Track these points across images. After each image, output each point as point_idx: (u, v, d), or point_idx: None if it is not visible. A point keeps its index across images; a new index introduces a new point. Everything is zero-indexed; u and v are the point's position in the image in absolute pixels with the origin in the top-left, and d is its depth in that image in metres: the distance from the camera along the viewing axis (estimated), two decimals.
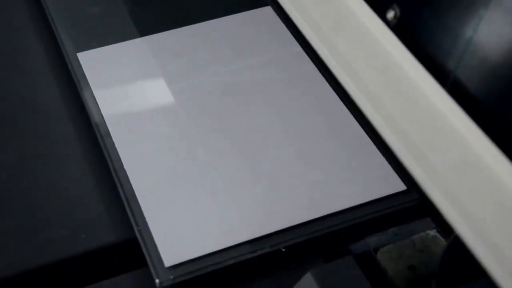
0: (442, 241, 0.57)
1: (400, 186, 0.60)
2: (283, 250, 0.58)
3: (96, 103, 0.66)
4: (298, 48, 0.71)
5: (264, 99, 0.67)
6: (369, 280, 0.53)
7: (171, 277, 0.54)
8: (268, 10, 0.75)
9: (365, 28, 0.50)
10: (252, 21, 0.74)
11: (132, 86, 0.69)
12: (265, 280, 0.58)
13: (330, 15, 0.54)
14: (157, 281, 0.54)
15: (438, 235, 0.57)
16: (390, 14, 0.50)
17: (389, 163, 0.62)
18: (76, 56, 0.70)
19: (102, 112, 0.66)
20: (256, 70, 0.70)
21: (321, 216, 0.58)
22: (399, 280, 0.54)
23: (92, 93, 0.67)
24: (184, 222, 0.58)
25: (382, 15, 0.50)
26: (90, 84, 0.68)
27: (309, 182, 0.61)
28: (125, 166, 0.61)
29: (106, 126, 0.64)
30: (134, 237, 0.58)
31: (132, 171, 0.61)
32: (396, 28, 0.50)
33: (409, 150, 0.48)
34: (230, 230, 0.57)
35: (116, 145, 0.63)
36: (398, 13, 0.50)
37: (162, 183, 0.60)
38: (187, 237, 0.57)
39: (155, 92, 0.68)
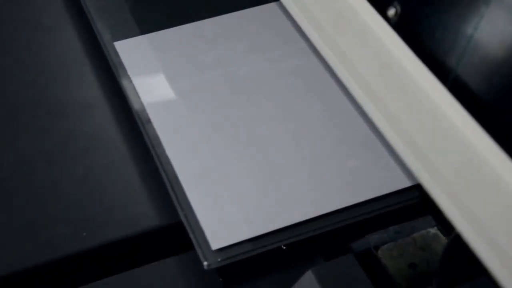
0: (443, 239, 0.57)
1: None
2: (284, 248, 0.58)
3: (136, 90, 0.67)
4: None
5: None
6: (370, 278, 0.53)
7: (219, 259, 0.55)
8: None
9: (366, 25, 0.50)
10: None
11: (169, 74, 0.70)
12: (265, 278, 0.58)
13: (331, 12, 0.54)
14: (205, 263, 0.55)
15: (439, 233, 0.57)
16: (391, 12, 0.50)
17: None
18: (113, 46, 0.71)
19: (142, 99, 0.66)
20: (291, 59, 0.71)
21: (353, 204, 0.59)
22: (400, 278, 0.54)
23: (131, 81, 0.68)
24: (228, 206, 0.58)
25: (383, 13, 0.50)
26: (129, 73, 0.69)
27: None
28: (167, 152, 0.62)
29: (147, 113, 0.65)
30: (175, 223, 0.59)
31: (175, 156, 0.62)
32: (397, 25, 0.50)
33: (410, 148, 0.48)
34: (274, 214, 0.58)
35: (158, 131, 0.64)
36: (399, 10, 0.50)
37: (205, 168, 0.61)
38: (232, 220, 0.57)
39: (193, 80, 0.69)
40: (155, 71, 0.70)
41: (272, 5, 0.76)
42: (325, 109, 0.67)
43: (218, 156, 0.62)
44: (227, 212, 0.58)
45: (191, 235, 0.57)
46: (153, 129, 0.64)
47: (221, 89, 0.68)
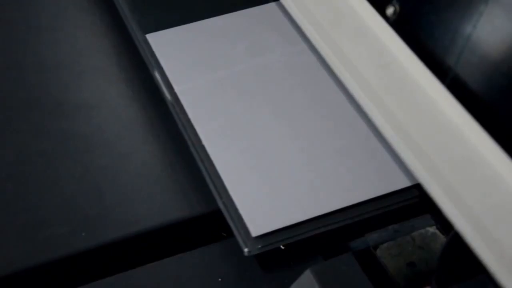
0: (442, 238, 0.57)
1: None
2: (283, 248, 0.58)
3: (169, 82, 0.68)
4: None
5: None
6: (368, 277, 0.53)
7: (259, 246, 0.56)
8: None
9: (364, 24, 0.50)
10: None
11: (202, 65, 0.71)
12: (264, 277, 0.58)
13: (330, 11, 0.54)
14: (245, 250, 0.56)
15: (437, 232, 0.57)
16: (390, 10, 0.50)
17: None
18: (145, 38, 0.73)
19: (176, 90, 0.67)
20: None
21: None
22: (399, 277, 0.54)
23: (164, 73, 0.69)
24: (265, 194, 0.59)
25: (381, 11, 0.50)
26: (162, 64, 0.70)
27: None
28: (204, 142, 0.63)
29: (181, 103, 0.66)
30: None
31: (211, 145, 0.63)
32: (396, 24, 0.50)
33: (409, 146, 0.48)
34: (311, 201, 0.59)
35: (193, 121, 0.65)
36: (398, 9, 0.50)
37: (241, 157, 0.62)
38: (270, 208, 0.58)
39: (222, 71, 0.70)
40: (188, 62, 0.71)
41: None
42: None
43: (251, 144, 0.63)
44: (265, 200, 0.59)
45: (230, 223, 0.58)
46: (188, 120, 0.65)
47: (253, 78, 0.70)
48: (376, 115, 0.51)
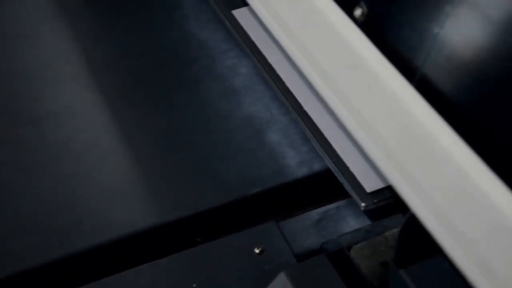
0: None
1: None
2: (257, 251, 0.58)
3: (261, 53, 0.72)
4: None
5: None
6: (342, 278, 0.53)
7: (375, 200, 0.58)
8: None
9: (332, 25, 0.50)
10: None
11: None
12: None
13: (298, 13, 0.54)
14: (362, 204, 0.58)
15: None
16: (358, 12, 0.51)
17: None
18: (232, 14, 0.77)
19: (270, 61, 0.71)
20: None
21: None
22: (373, 277, 0.54)
23: (255, 45, 0.73)
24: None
25: (349, 13, 0.51)
26: (251, 36, 0.74)
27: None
28: (305, 107, 0.66)
29: (277, 73, 0.70)
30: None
31: (312, 111, 0.66)
32: (364, 25, 0.50)
33: (377, 146, 0.48)
34: None
35: (291, 90, 0.68)
36: (366, 10, 0.50)
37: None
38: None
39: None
40: (270, 35, 0.73)
41: None
42: None
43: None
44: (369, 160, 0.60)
45: (343, 181, 0.60)
46: (287, 88, 0.68)
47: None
48: (345, 115, 0.51)
